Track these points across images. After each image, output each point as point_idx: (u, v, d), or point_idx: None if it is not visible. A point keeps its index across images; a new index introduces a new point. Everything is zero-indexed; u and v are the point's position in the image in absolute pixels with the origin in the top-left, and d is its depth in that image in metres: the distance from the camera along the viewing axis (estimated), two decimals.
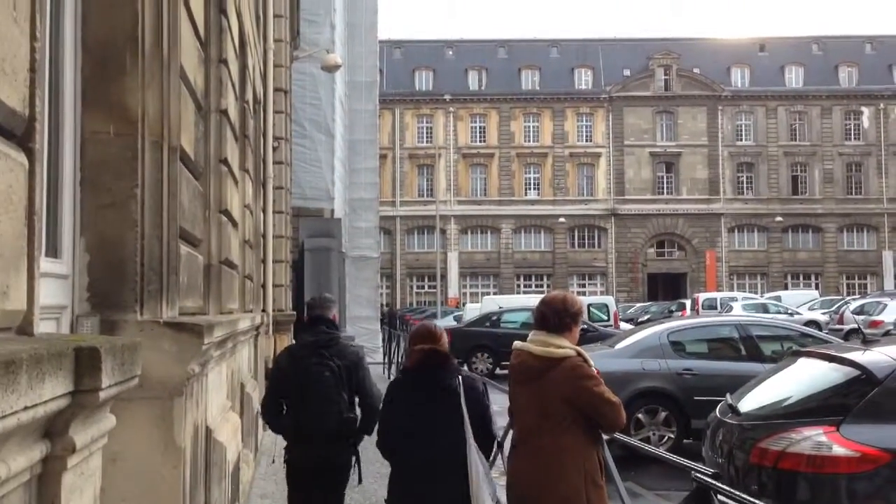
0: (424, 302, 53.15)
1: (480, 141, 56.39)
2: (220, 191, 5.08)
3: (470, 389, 4.16)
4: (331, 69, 15.31)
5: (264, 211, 10.05)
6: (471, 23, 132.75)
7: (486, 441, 4.24)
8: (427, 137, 56.14)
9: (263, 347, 9.75)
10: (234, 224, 5.82)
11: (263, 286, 10.10)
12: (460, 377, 4.21)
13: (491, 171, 56.25)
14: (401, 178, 55.58)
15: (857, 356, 5.41)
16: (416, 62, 57.23)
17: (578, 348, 4.01)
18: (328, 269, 16.51)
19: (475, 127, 56.58)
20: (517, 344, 4.16)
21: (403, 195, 55.51)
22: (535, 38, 59.53)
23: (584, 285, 55.28)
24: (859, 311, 29.16)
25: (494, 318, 21.74)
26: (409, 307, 50.55)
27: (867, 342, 5.83)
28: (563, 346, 3.95)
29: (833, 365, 5.54)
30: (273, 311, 10.71)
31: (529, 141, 56.25)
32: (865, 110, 55.44)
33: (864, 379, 5.10)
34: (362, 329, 22.73)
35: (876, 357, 5.30)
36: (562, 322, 4.00)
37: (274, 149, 10.68)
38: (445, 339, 4.32)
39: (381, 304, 35.34)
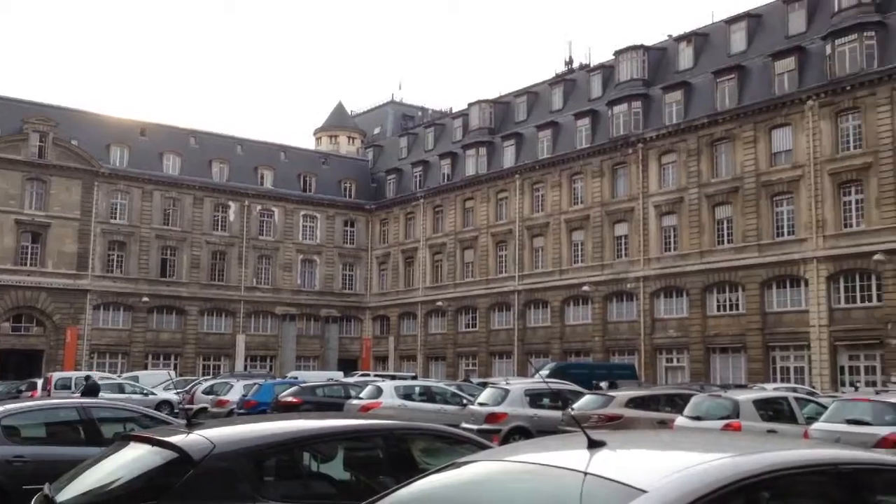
0: None
1: None
2: None
3: None
4: None
5: None
6: None
7: None
8: None
9: None
10: None
11: None
12: None
13: None
14: None
15: (179, 439, 5.54)
16: None
17: None
18: None
19: None
20: None
21: None
22: None
23: None
24: (209, 391, 30.91)
25: None
26: None
27: (191, 425, 6.00)
28: None
29: (156, 448, 5.61)
30: None
31: None
32: (233, 205, 60.09)
33: (183, 460, 5.26)
34: None
35: (195, 439, 5.47)
36: None
37: None
38: None
39: None
